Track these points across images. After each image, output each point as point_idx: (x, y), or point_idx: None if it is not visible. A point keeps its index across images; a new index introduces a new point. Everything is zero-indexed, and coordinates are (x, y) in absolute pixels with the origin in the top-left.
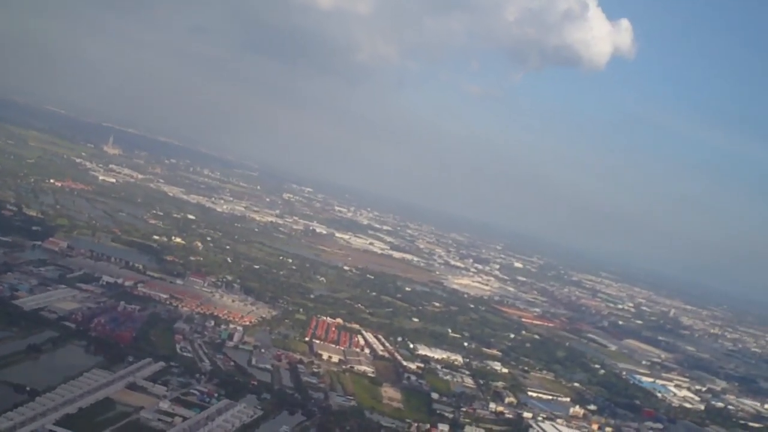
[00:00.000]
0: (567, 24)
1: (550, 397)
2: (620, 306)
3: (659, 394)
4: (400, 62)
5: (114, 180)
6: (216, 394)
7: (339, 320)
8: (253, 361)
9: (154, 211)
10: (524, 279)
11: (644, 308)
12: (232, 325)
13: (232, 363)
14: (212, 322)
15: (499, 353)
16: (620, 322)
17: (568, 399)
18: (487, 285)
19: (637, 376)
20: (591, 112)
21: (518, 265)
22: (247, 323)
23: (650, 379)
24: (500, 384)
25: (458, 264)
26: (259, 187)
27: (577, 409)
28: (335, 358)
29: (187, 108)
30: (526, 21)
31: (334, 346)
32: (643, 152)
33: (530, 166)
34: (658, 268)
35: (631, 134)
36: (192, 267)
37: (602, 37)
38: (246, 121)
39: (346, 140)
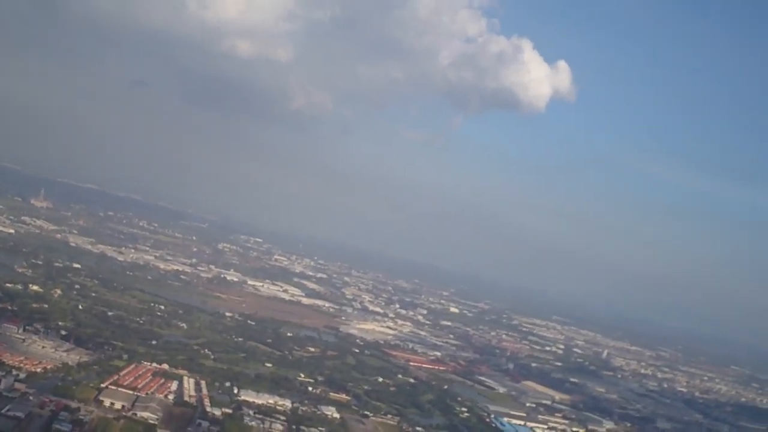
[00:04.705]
0: (502, 67)
1: None
2: (547, 348)
3: None
4: (336, 110)
5: (13, 231)
6: None
7: (165, 366)
8: (5, 409)
9: (33, 261)
10: (449, 324)
11: (576, 350)
12: (15, 372)
13: None
14: None
15: (348, 398)
16: (533, 364)
17: None
18: (394, 330)
19: (505, 419)
20: (536, 154)
21: (454, 310)
22: (38, 370)
23: (520, 422)
24: (317, 430)
25: (377, 309)
26: (194, 238)
27: None
28: (118, 405)
29: (145, 162)
30: (461, 65)
31: (130, 392)
32: (596, 193)
33: (490, 212)
34: (627, 310)
35: (581, 175)
36: (26, 314)
37: (540, 79)
38: (203, 173)
39: (301, 189)
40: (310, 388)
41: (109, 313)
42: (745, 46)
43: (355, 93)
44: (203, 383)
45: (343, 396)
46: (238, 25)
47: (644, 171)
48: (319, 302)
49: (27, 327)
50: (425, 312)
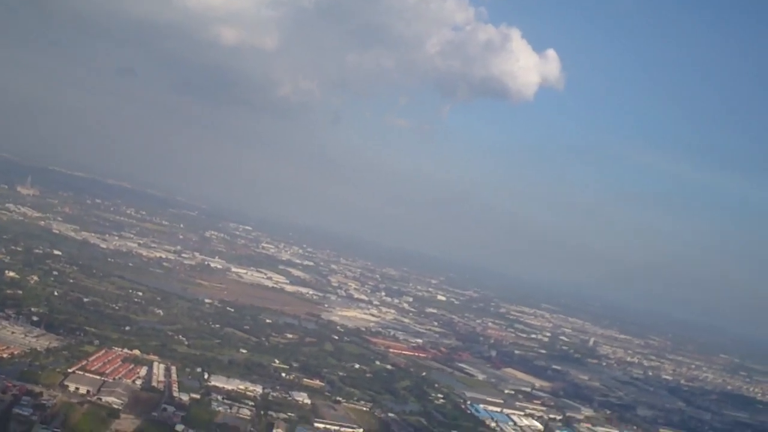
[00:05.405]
0: (490, 56)
1: (337, 429)
2: (533, 336)
3: (493, 424)
4: (324, 98)
5: None
6: None
7: (136, 352)
8: None
9: (13, 247)
10: (435, 311)
11: (563, 338)
12: None
13: None
14: None
15: (322, 384)
16: (516, 352)
17: (361, 430)
18: (377, 317)
19: (481, 406)
20: (525, 142)
21: (441, 298)
22: (5, 355)
23: (497, 409)
24: (285, 415)
25: (362, 297)
26: (182, 225)
27: None
28: (83, 390)
29: (135, 150)
30: (449, 53)
31: (97, 377)
32: (586, 181)
33: (482, 200)
34: (620, 299)
35: (569, 163)
36: None
37: (529, 68)
38: (192, 161)
39: (292, 177)
40: (283, 374)
41: (85, 300)
42: (735, 35)
43: (343, 81)
44: (173, 369)
45: (317, 382)
46: (222, 12)
47: (633, 160)
48: (303, 289)
49: None
50: (411, 300)
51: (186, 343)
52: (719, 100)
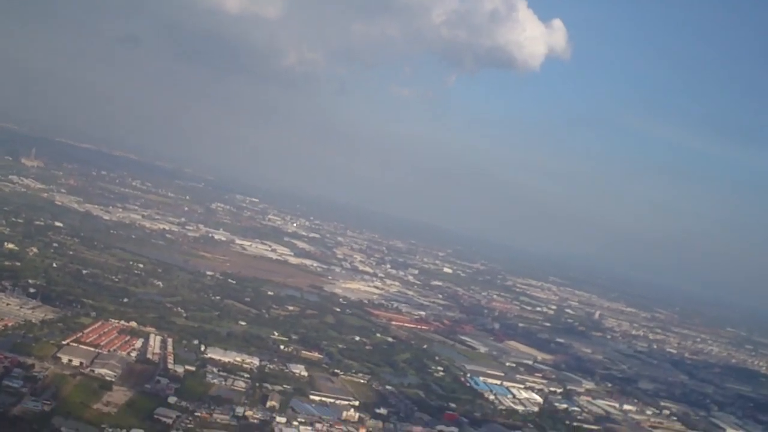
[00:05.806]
0: (496, 26)
1: (332, 401)
2: (538, 309)
3: (492, 397)
4: (329, 67)
5: None
6: None
7: (133, 323)
8: None
9: (14, 219)
10: (440, 284)
11: (568, 311)
12: None
13: None
14: None
15: (321, 356)
16: (520, 324)
17: (356, 402)
18: (380, 289)
19: (481, 379)
20: (532, 113)
21: (447, 270)
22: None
23: (496, 382)
24: (281, 387)
25: (367, 269)
26: (188, 197)
27: (351, 413)
28: (76, 362)
29: (142, 120)
30: (454, 23)
31: (91, 349)
32: (593, 152)
33: (492, 172)
34: (630, 271)
35: (576, 134)
36: None
37: (535, 37)
38: (201, 132)
39: (301, 148)
40: (282, 347)
41: (84, 272)
42: (743, 5)
43: (348, 50)
44: (170, 341)
45: (316, 354)
46: None
47: (640, 130)
48: (308, 262)
49: None
50: (417, 272)
51: (184, 315)
52: (732, 71)
